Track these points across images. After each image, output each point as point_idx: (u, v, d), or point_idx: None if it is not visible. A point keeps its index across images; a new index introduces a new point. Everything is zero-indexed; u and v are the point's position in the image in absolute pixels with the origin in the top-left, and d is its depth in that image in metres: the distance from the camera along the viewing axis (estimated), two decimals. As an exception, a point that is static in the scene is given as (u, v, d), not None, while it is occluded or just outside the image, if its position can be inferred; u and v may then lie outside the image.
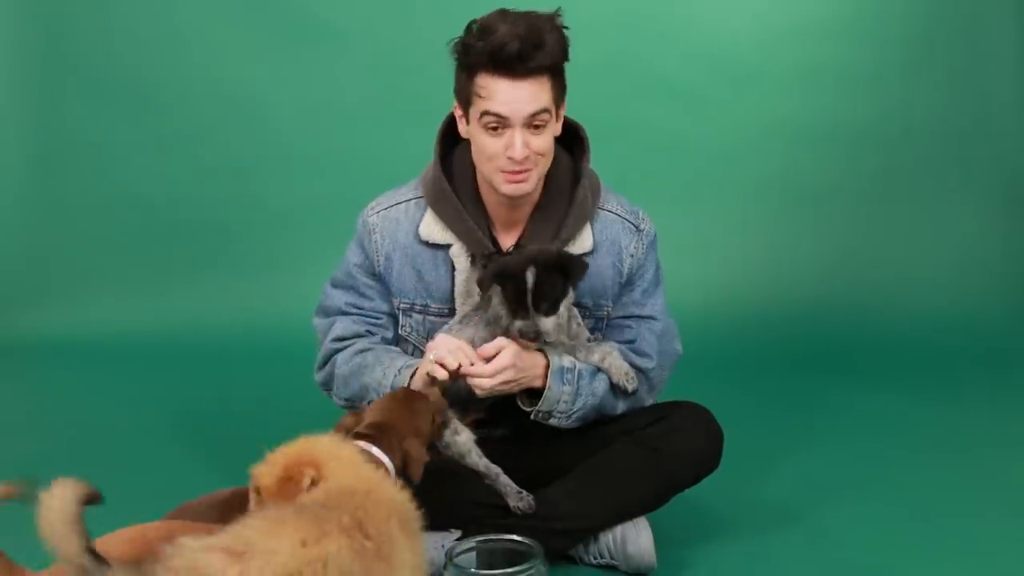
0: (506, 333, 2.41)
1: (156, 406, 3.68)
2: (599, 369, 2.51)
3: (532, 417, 2.49)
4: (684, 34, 4.54)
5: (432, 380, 2.34)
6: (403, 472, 2.12)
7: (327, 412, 2.65)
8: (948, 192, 4.69)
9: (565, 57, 2.41)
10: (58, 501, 1.58)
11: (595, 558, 2.57)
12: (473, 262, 2.54)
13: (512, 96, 2.37)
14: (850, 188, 4.66)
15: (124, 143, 4.56)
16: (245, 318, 4.37)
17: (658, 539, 2.53)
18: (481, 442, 2.52)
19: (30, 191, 4.61)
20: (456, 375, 2.35)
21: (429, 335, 2.58)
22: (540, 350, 2.47)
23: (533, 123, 2.39)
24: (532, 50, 2.34)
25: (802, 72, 4.60)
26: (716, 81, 4.56)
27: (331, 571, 1.60)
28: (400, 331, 2.63)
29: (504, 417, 2.59)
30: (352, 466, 1.88)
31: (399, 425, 2.15)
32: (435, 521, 2.51)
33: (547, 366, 2.45)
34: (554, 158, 2.53)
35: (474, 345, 2.41)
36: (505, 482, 2.49)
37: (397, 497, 1.84)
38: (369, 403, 2.45)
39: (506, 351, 2.37)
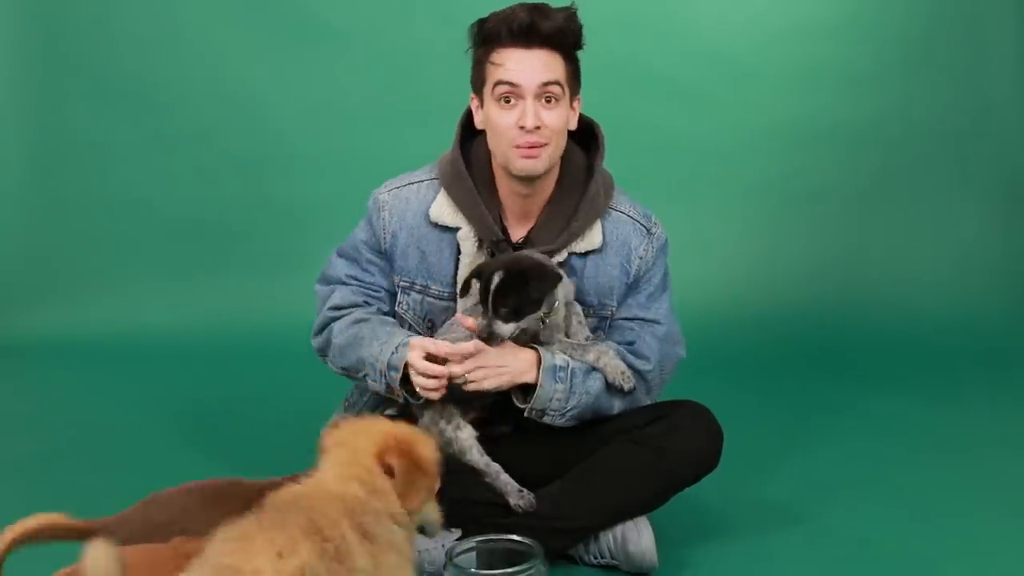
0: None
1: (156, 406, 3.68)
2: (594, 368, 2.51)
3: (526, 415, 2.49)
4: (684, 34, 4.54)
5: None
6: None
7: (329, 412, 2.66)
8: (948, 191, 4.70)
9: (578, 40, 2.47)
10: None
11: (595, 558, 2.57)
12: (480, 247, 2.54)
13: (525, 64, 2.43)
14: (850, 188, 4.66)
15: (124, 143, 4.56)
16: (246, 317, 4.38)
17: (658, 539, 2.53)
18: (482, 440, 2.53)
19: (30, 191, 4.61)
20: (437, 360, 2.39)
21: (426, 316, 2.60)
22: (533, 347, 2.47)
23: (544, 94, 2.44)
24: (541, 19, 2.42)
25: (802, 72, 4.60)
26: (716, 81, 4.56)
27: None
28: (397, 307, 2.64)
29: (504, 416, 2.60)
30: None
31: None
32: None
33: (539, 363, 2.45)
34: (569, 154, 2.56)
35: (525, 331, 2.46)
36: (506, 480, 2.50)
37: (348, 495, 1.79)
38: (364, 377, 2.50)
39: (474, 341, 2.41)
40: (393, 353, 2.43)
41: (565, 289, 2.50)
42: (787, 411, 3.68)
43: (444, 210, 2.57)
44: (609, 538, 2.54)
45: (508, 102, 2.45)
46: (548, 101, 2.45)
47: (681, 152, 4.51)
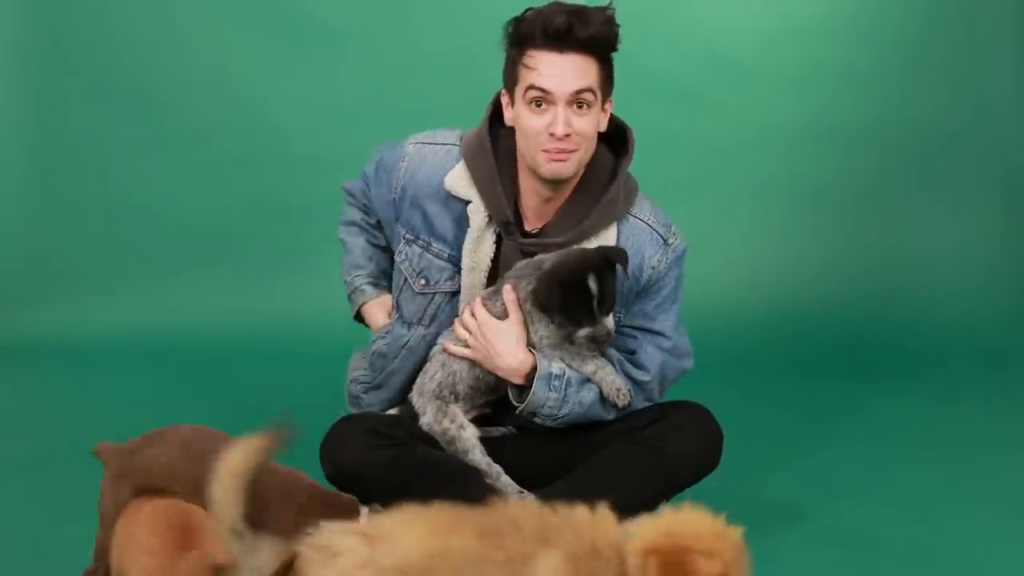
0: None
1: (156, 406, 3.68)
2: (590, 379, 2.50)
3: (517, 412, 2.50)
4: (684, 35, 4.53)
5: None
6: None
7: (330, 412, 2.66)
8: (948, 191, 4.69)
9: (613, 44, 2.44)
10: (229, 468, 1.72)
11: (595, 558, 2.57)
12: (489, 222, 2.52)
13: (558, 69, 2.39)
14: (849, 188, 4.66)
15: (124, 143, 4.56)
16: (246, 317, 4.37)
17: (658, 539, 2.53)
18: (483, 441, 2.53)
19: (30, 191, 4.60)
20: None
21: (421, 272, 2.59)
22: (532, 352, 2.47)
23: (576, 101, 2.40)
24: (579, 23, 2.37)
25: (802, 72, 4.59)
26: (716, 81, 4.55)
27: (444, 563, 1.64)
28: (396, 256, 2.65)
29: (505, 415, 2.60)
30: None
31: None
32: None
33: (534, 366, 2.45)
34: (596, 155, 2.53)
35: (537, 343, 2.50)
36: (506, 482, 2.50)
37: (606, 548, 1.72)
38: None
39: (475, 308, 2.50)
40: (350, 294, 2.77)
41: None
42: (787, 411, 3.68)
43: (460, 182, 2.55)
44: (609, 538, 2.54)
45: (539, 106, 2.41)
46: (580, 107, 2.41)
47: (681, 153, 4.51)
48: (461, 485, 2.49)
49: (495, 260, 2.56)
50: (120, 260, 4.55)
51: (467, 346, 2.51)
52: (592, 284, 2.37)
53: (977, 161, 4.71)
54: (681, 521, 1.75)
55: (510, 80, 2.47)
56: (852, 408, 3.68)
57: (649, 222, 2.58)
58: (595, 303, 2.37)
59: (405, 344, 2.62)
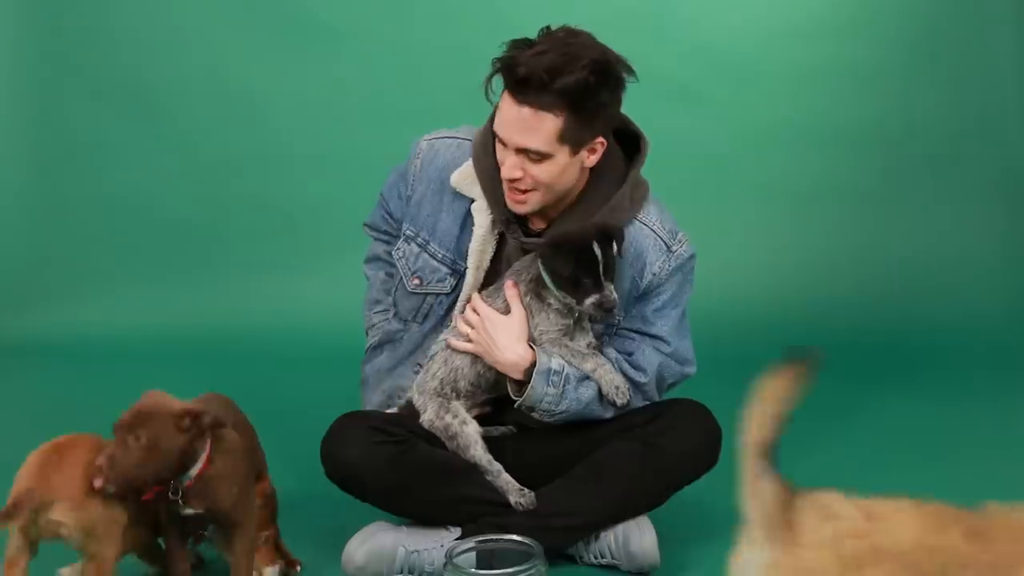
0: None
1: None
2: (589, 377, 2.50)
3: (515, 406, 2.50)
4: (684, 34, 4.53)
5: None
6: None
7: (328, 413, 2.66)
8: (950, 192, 4.69)
9: (585, 100, 2.33)
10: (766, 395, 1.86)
11: (596, 557, 2.57)
12: (495, 225, 2.52)
13: (512, 119, 2.36)
14: (850, 188, 4.65)
15: (124, 143, 4.55)
16: (246, 318, 4.37)
17: (659, 539, 2.53)
18: (484, 439, 2.53)
19: (30, 191, 4.60)
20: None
21: (415, 272, 2.60)
22: (532, 348, 2.48)
23: (527, 155, 2.37)
24: (547, 75, 2.29)
25: (802, 72, 4.59)
26: (716, 81, 4.55)
27: (930, 559, 1.65)
28: (394, 252, 2.65)
29: (505, 414, 2.61)
30: None
31: None
32: (435, 520, 2.53)
33: (533, 361, 2.45)
34: (607, 162, 2.50)
35: (537, 338, 2.49)
36: (506, 479, 2.50)
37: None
38: None
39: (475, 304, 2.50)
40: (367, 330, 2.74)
41: None
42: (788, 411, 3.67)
43: (466, 180, 2.55)
44: (610, 538, 2.54)
45: (501, 143, 2.42)
46: (531, 158, 2.37)
47: (681, 153, 4.49)
48: (461, 483, 2.50)
49: (495, 259, 2.56)
50: (120, 260, 4.54)
51: (469, 340, 2.51)
52: (597, 251, 2.37)
53: (980, 161, 4.71)
54: None
55: None
56: (853, 408, 3.68)
57: (654, 228, 2.57)
58: (601, 269, 2.38)
59: (399, 338, 2.65)
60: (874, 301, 4.53)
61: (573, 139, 2.37)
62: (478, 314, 2.50)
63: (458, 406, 2.53)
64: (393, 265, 2.69)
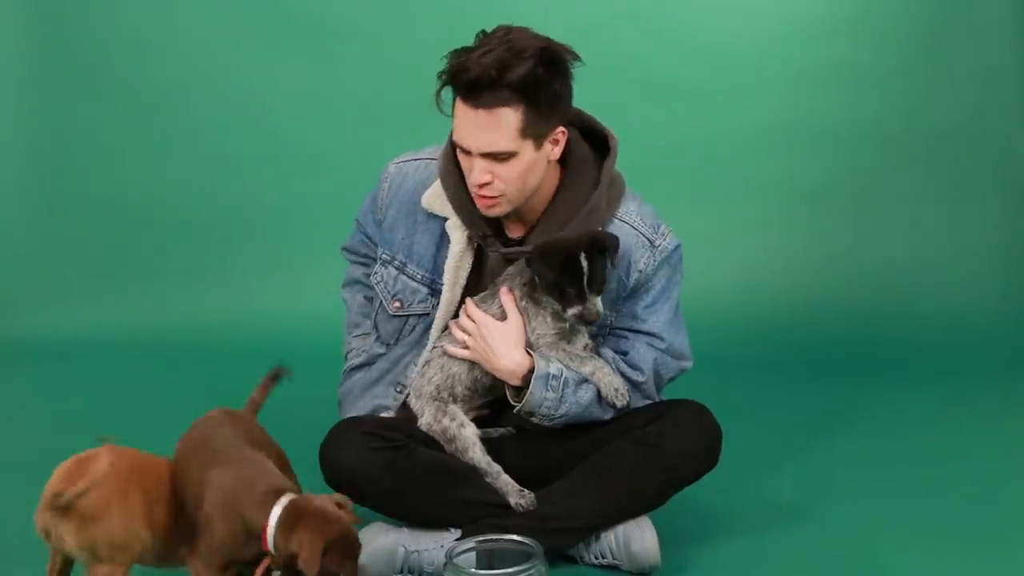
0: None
1: (156, 406, 3.68)
2: (588, 380, 2.50)
3: (514, 412, 2.50)
4: (684, 34, 4.53)
5: None
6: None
7: (327, 413, 2.66)
8: (949, 192, 4.68)
9: (537, 91, 2.33)
10: None
11: (596, 558, 2.57)
12: (471, 241, 2.52)
13: (471, 126, 2.36)
14: (850, 188, 4.65)
15: (124, 143, 4.56)
16: (247, 317, 4.37)
17: (659, 539, 2.53)
18: (482, 442, 2.53)
19: (30, 191, 4.60)
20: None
21: (395, 295, 2.59)
22: (530, 354, 2.48)
23: (494, 158, 2.37)
24: (496, 72, 2.29)
25: (802, 72, 4.59)
26: (716, 81, 4.55)
27: None
28: (372, 277, 2.65)
29: (503, 416, 2.60)
30: None
31: None
32: (435, 524, 2.53)
33: (531, 367, 2.45)
34: (579, 160, 2.51)
35: (534, 342, 2.49)
36: (506, 480, 2.50)
37: None
38: None
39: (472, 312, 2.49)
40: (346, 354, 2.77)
41: None
42: (788, 411, 3.67)
43: (436, 199, 2.56)
44: (611, 538, 2.54)
45: (464, 151, 2.41)
46: (497, 159, 2.37)
47: (681, 153, 4.50)
48: (461, 486, 2.50)
49: (476, 272, 2.56)
50: (120, 260, 4.55)
51: (466, 347, 2.51)
52: (583, 262, 2.37)
53: (979, 161, 4.70)
54: None
55: None
56: (853, 408, 3.68)
57: (635, 224, 2.56)
58: (585, 281, 2.37)
59: (382, 361, 2.67)
60: (873, 301, 4.53)
61: (534, 132, 2.37)
62: (474, 320, 2.49)
63: (456, 409, 2.53)
64: (372, 288, 2.68)
